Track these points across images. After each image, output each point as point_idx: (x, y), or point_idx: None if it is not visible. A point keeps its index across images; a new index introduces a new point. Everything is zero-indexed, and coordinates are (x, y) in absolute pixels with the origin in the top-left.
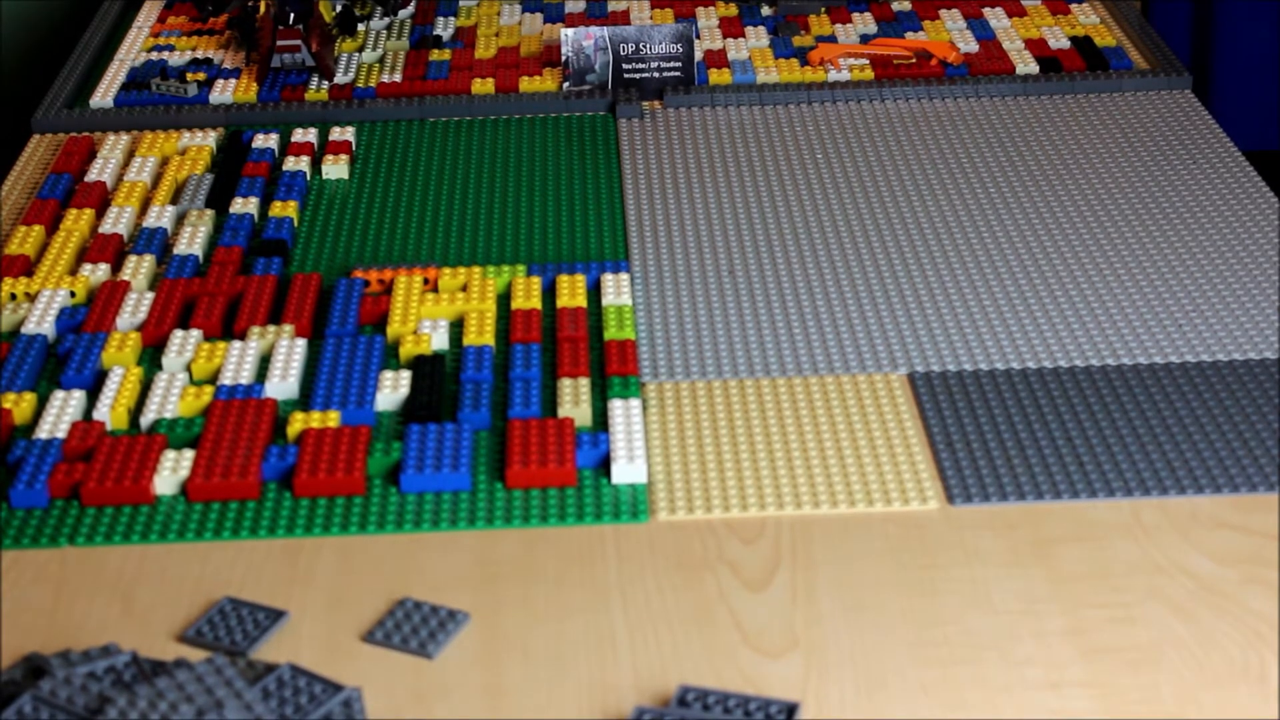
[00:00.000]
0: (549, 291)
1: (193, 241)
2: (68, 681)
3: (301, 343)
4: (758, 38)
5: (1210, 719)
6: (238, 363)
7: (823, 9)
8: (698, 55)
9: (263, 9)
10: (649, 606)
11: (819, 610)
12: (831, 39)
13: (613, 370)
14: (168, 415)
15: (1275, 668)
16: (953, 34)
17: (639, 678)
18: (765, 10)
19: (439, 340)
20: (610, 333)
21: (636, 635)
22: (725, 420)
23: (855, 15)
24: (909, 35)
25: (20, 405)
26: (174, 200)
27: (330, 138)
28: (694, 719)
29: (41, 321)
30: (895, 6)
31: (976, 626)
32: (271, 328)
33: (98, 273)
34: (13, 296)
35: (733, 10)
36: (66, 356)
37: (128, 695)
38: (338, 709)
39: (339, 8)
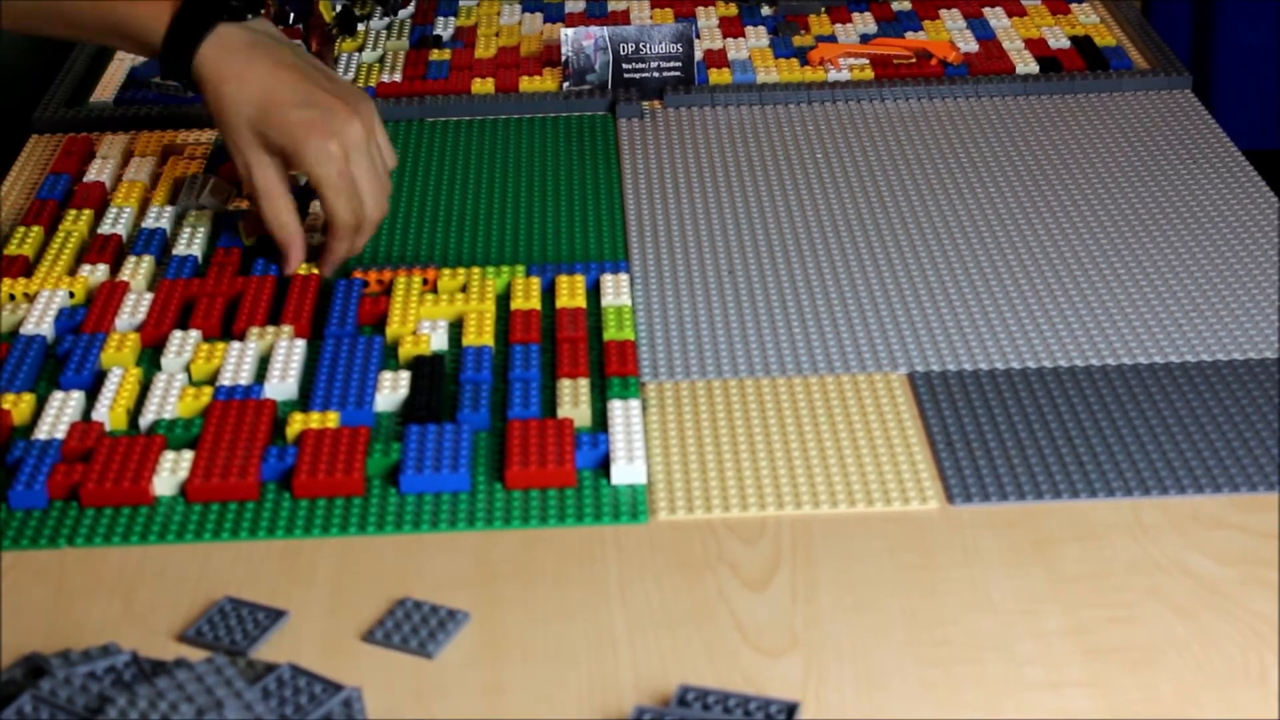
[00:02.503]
0: (548, 292)
1: (192, 242)
2: (68, 681)
3: (300, 343)
4: (758, 37)
5: (1210, 719)
6: (237, 363)
7: (823, 9)
8: (698, 55)
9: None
10: (649, 606)
11: (819, 610)
12: (831, 39)
13: (612, 371)
14: (167, 416)
15: (1275, 668)
16: (953, 34)
17: (639, 677)
18: (765, 10)
19: (438, 341)
20: (610, 333)
21: (636, 635)
22: (725, 420)
23: (855, 15)
24: (909, 35)
25: (19, 406)
26: (173, 200)
27: None
28: (694, 719)
29: (40, 322)
30: (895, 6)
31: (976, 626)
32: (270, 328)
33: (97, 273)
34: (11, 297)
35: (733, 10)
36: (65, 357)
37: (128, 695)
38: (338, 709)
39: (339, 8)
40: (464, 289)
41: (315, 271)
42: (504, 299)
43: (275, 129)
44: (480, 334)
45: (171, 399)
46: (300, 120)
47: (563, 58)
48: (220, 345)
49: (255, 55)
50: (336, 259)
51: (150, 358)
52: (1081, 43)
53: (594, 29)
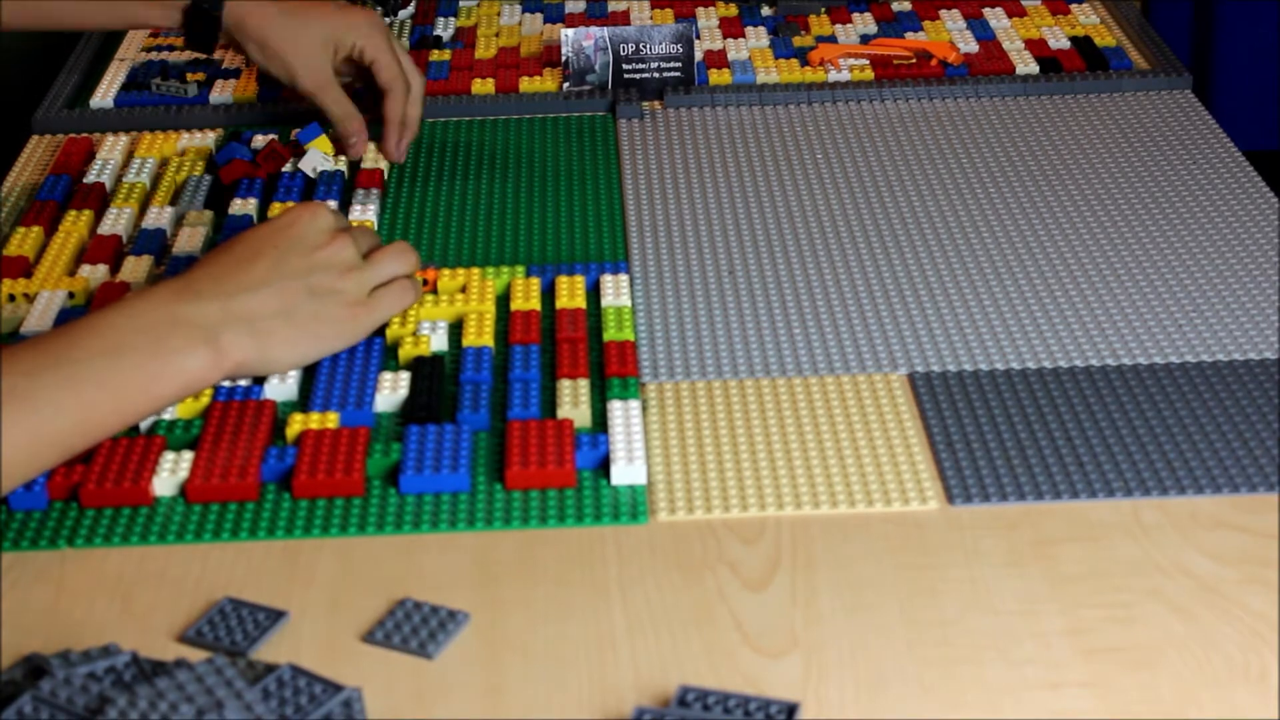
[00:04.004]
0: (548, 292)
1: (192, 242)
2: (68, 682)
3: None
4: (758, 38)
5: (1210, 719)
6: None
7: (823, 9)
8: (698, 55)
9: None
10: (649, 607)
11: (819, 610)
12: (831, 39)
13: (612, 371)
14: (166, 417)
15: (1275, 668)
16: (953, 34)
17: (639, 678)
18: (765, 10)
19: (438, 341)
20: (609, 334)
21: (636, 635)
22: (725, 420)
23: (855, 15)
24: (909, 35)
25: None
26: (173, 201)
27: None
28: (694, 719)
29: (40, 322)
30: (895, 7)
31: (976, 626)
32: None
33: (97, 274)
34: (11, 297)
35: (733, 10)
36: None
37: (128, 695)
38: (338, 709)
39: None
40: (464, 289)
41: None
42: (504, 299)
43: (314, 24)
44: (480, 334)
45: None
46: (338, 8)
47: (563, 58)
48: None
49: None
50: (413, 130)
51: None
52: (1081, 43)
53: (594, 29)
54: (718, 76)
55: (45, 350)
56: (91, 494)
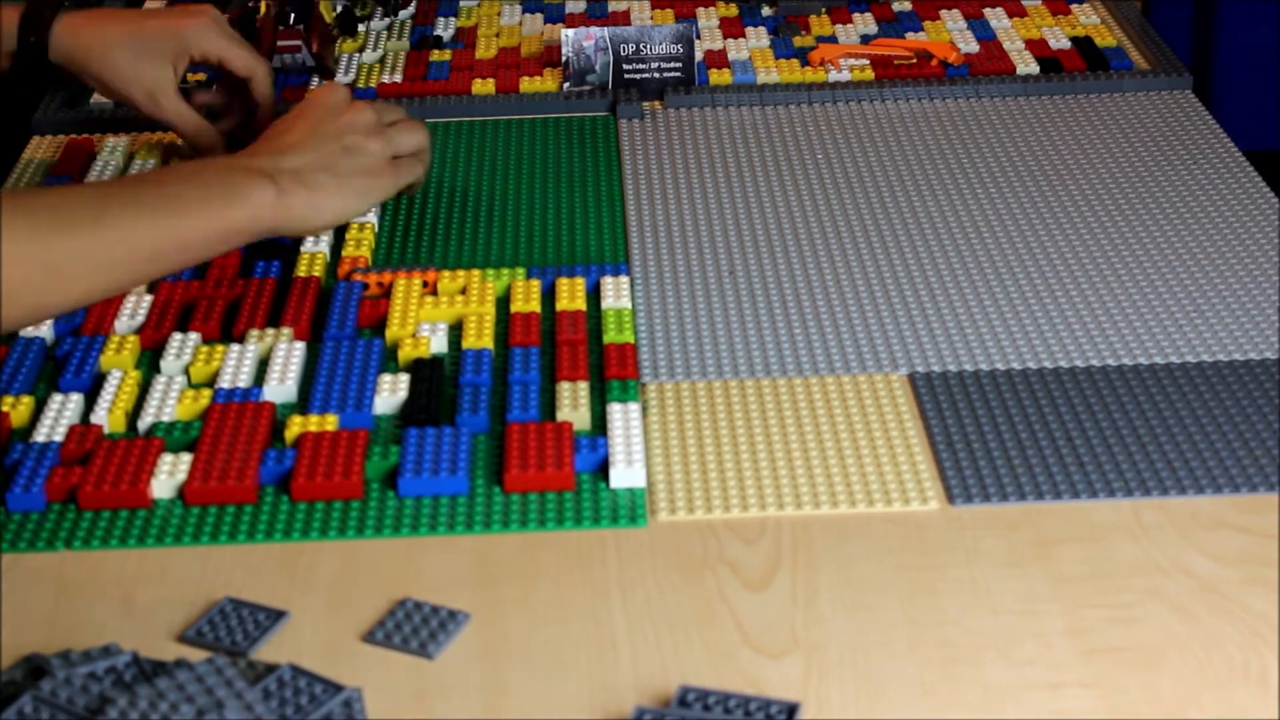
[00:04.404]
0: (548, 294)
1: None
2: (68, 682)
3: (300, 346)
4: (758, 38)
5: (1210, 719)
6: (236, 366)
7: (823, 9)
8: (698, 55)
9: (263, 9)
10: (649, 607)
11: (819, 610)
12: (832, 39)
13: (612, 374)
14: (165, 418)
15: (1275, 668)
16: (953, 34)
17: (639, 678)
18: (766, 10)
19: (438, 343)
20: (610, 336)
21: (636, 635)
22: (725, 420)
23: (856, 16)
24: (909, 35)
25: (18, 408)
26: None
27: None
28: (694, 719)
29: (40, 324)
30: (896, 7)
31: (976, 626)
32: (270, 330)
33: None
34: None
35: (733, 10)
36: (65, 359)
37: (128, 695)
38: (338, 709)
39: (339, 8)
40: (464, 291)
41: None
42: (504, 301)
43: (152, 38)
44: (480, 337)
45: (170, 401)
46: (166, 18)
47: (563, 58)
48: (220, 348)
49: (96, 14)
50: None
51: (150, 360)
52: (1082, 43)
53: (594, 29)
54: (718, 76)
55: (143, 180)
56: (90, 496)
